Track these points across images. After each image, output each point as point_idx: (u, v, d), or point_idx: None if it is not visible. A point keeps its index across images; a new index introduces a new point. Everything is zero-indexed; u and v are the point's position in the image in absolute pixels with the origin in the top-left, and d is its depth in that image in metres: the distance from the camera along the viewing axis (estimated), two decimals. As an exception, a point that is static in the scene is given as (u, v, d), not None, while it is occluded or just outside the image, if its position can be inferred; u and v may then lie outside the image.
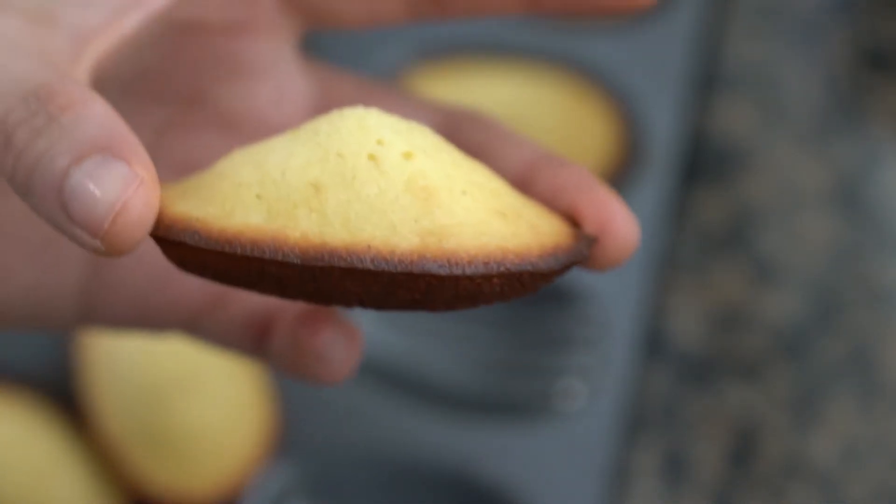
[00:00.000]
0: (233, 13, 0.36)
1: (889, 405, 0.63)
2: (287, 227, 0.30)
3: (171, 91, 0.37)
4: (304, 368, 0.35)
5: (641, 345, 0.64)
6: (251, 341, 0.36)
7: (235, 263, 0.30)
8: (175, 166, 0.37)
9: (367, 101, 0.38)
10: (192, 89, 0.37)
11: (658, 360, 0.65)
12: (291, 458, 0.60)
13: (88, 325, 0.38)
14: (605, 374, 0.62)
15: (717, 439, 0.63)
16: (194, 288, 0.37)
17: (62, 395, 0.62)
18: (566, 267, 0.32)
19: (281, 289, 0.31)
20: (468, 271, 0.30)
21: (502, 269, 0.30)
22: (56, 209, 0.30)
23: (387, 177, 0.31)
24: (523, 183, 0.35)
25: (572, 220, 0.34)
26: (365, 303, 0.31)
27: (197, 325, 0.37)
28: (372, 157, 0.31)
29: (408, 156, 0.31)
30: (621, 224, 0.34)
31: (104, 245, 0.30)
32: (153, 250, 0.37)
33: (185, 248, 0.31)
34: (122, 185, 0.30)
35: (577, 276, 0.64)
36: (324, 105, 0.38)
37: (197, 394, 0.60)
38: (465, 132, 0.37)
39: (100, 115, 0.30)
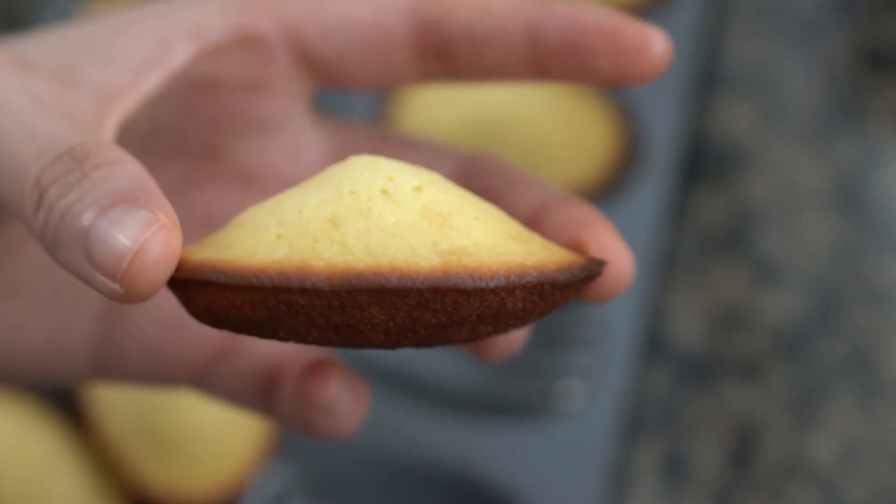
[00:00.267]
0: (248, 72, 0.37)
1: (889, 405, 0.63)
2: (310, 258, 0.31)
3: (188, 146, 0.38)
4: (311, 423, 0.35)
5: (641, 345, 0.64)
6: (259, 396, 0.37)
7: (262, 300, 0.31)
8: (193, 220, 0.38)
9: (379, 151, 0.39)
10: (209, 145, 0.38)
11: (658, 360, 0.65)
12: (291, 458, 0.60)
13: (101, 379, 0.38)
14: (605, 374, 0.62)
15: (717, 439, 0.63)
16: (204, 341, 0.37)
17: (62, 395, 0.62)
18: (582, 281, 0.33)
19: (306, 327, 0.31)
20: (491, 284, 0.31)
21: (524, 281, 0.31)
22: (81, 258, 0.30)
23: (401, 207, 0.31)
24: (533, 222, 0.36)
25: (577, 252, 0.35)
26: (390, 334, 0.31)
27: (206, 380, 0.37)
28: (385, 192, 0.32)
29: (418, 189, 0.32)
30: (619, 258, 0.35)
31: (124, 287, 0.30)
32: (165, 303, 0.37)
33: (210, 290, 0.31)
34: (141, 227, 0.30)
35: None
36: (338, 158, 0.39)
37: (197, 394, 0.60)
38: (478, 176, 0.38)
39: (131, 172, 0.31)
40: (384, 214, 0.31)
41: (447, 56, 0.37)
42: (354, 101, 0.72)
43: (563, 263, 0.32)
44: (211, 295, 0.31)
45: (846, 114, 0.70)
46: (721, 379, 0.64)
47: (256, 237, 0.32)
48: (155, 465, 0.60)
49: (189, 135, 0.37)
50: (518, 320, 0.32)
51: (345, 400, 0.35)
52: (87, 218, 0.30)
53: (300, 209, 0.32)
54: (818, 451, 0.63)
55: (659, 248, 0.65)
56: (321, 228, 0.31)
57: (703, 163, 0.69)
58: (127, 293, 0.30)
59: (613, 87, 0.36)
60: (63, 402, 0.61)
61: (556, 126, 0.67)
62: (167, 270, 0.30)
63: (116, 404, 0.60)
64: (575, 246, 0.35)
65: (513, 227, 0.33)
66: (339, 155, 0.39)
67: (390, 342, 0.32)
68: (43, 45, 0.35)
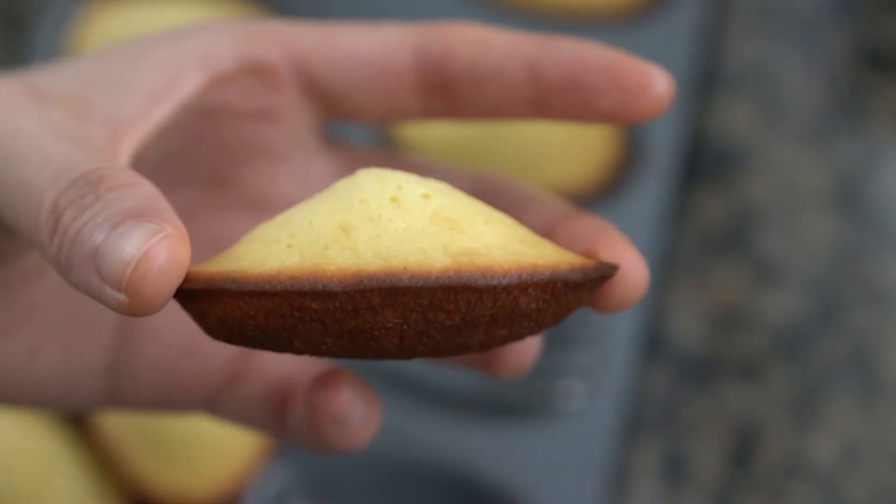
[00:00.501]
0: (257, 100, 0.37)
1: (889, 405, 0.63)
2: (322, 264, 0.31)
3: (198, 174, 0.38)
4: (324, 436, 0.35)
5: (641, 345, 0.64)
6: (271, 415, 0.37)
7: (275, 307, 0.31)
8: (203, 246, 0.38)
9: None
10: (219, 172, 0.38)
11: (658, 360, 0.64)
12: (291, 458, 0.60)
13: (115, 407, 0.38)
14: (605, 374, 0.62)
15: (717, 439, 0.63)
16: (215, 365, 0.37)
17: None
18: (595, 281, 0.33)
19: (320, 335, 0.31)
20: (504, 282, 0.31)
21: (536, 279, 0.31)
22: (92, 275, 0.30)
23: (411, 213, 0.32)
24: (545, 235, 0.36)
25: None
26: (405, 340, 0.31)
27: (219, 404, 0.37)
28: (394, 199, 0.32)
29: (427, 196, 0.32)
30: (633, 267, 0.35)
31: (129, 296, 0.30)
32: (176, 329, 0.38)
33: (223, 300, 0.31)
34: (146, 236, 0.30)
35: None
36: None
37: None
38: (491, 195, 0.38)
39: (143, 191, 0.31)
40: (394, 220, 0.31)
41: (450, 93, 0.37)
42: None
43: (575, 264, 0.32)
44: (224, 305, 0.31)
45: (846, 114, 0.70)
46: (721, 379, 0.64)
47: (267, 248, 0.32)
48: (155, 465, 0.60)
49: (199, 162, 0.38)
50: (532, 322, 0.32)
51: (357, 410, 0.35)
52: (98, 236, 0.30)
53: (310, 220, 0.32)
54: (818, 451, 0.63)
55: (659, 248, 0.65)
56: (332, 236, 0.31)
57: (703, 163, 0.69)
58: (133, 302, 0.30)
59: (616, 124, 0.37)
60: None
61: (556, 126, 0.67)
62: (173, 279, 0.30)
63: (116, 404, 0.60)
64: (588, 256, 0.35)
65: (523, 232, 0.33)
66: None
67: (405, 348, 0.32)
68: (57, 77, 0.36)
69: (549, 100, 0.36)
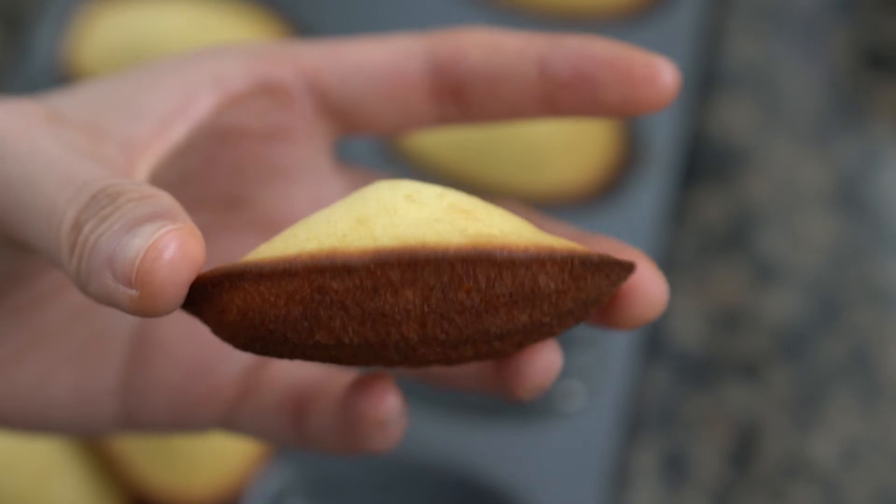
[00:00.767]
0: (270, 120, 0.37)
1: (889, 405, 0.64)
2: (340, 247, 0.31)
3: (212, 195, 0.38)
4: (362, 440, 0.35)
5: (641, 345, 0.64)
6: (289, 423, 0.37)
7: (296, 289, 0.31)
8: (216, 266, 0.38)
9: None
10: (233, 193, 0.38)
11: (658, 360, 0.65)
12: (291, 458, 0.60)
13: (129, 430, 0.38)
14: (605, 374, 0.62)
15: (717, 439, 0.63)
16: (226, 380, 0.37)
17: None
18: (612, 270, 0.33)
19: (342, 322, 0.31)
20: (522, 256, 0.31)
21: (554, 256, 0.32)
22: (108, 279, 0.30)
23: (427, 206, 0.32)
24: None
25: None
26: (426, 326, 0.31)
27: (233, 418, 0.38)
28: (409, 196, 0.32)
29: (441, 195, 0.33)
30: (653, 282, 0.35)
31: (139, 290, 0.30)
32: (186, 347, 0.38)
33: (244, 288, 0.31)
34: (154, 229, 0.30)
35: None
36: None
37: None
38: None
39: (161, 200, 0.31)
40: (410, 211, 0.32)
41: (462, 97, 0.37)
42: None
43: (591, 253, 0.33)
44: (245, 294, 0.31)
45: (846, 114, 0.70)
46: (721, 379, 0.64)
47: (286, 242, 0.32)
48: (155, 464, 0.60)
49: (212, 184, 0.38)
50: (552, 307, 0.32)
51: (401, 413, 0.35)
52: (114, 241, 0.30)
53: (327, 218, 0.32)
54: (818, 451, 0.63)
55: (659, 248, 0.66)
56: (349, 226, 0.32)
57: (703, 163, 0.69)
58: (143, 296, 0.30)
59: (623, 116, 0.37)
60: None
61: (555, 125, 0.67)
62: (184, 272, 0.30)
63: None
64: None
65: (537, 230, 0.33)
66: None
67: (427, 339, 0.32)
68: (73, 101, 0.36)
69: (558, 96, 0.37)
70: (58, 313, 0.37)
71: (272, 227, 0.39)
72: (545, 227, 0.38)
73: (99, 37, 0.69)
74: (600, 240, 0.36)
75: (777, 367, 0.64)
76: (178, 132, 0.36)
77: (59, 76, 0.68)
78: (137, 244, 0.30)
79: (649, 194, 0.67)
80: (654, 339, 0.65)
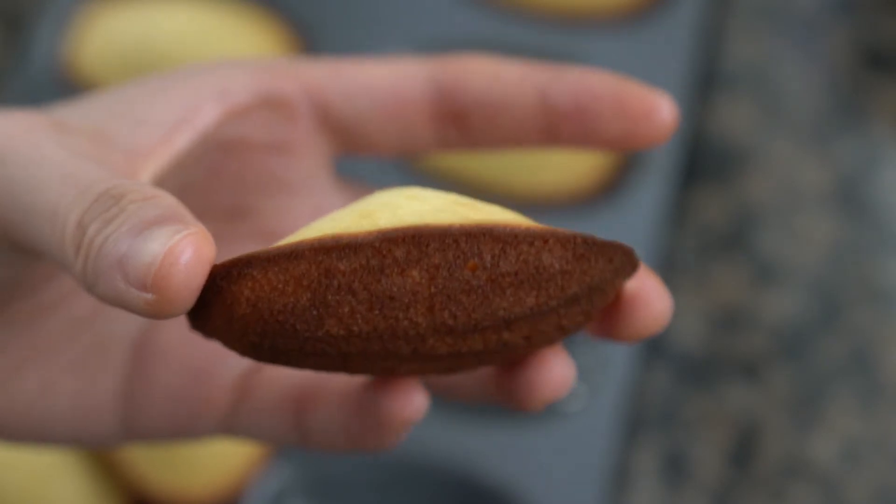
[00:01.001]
0: (273, 133, 0.38)
1: (889, 405, 0.64)
2: (344, 232, 0.32)
3: (214, 206, 0.39)
4: (377, 440, 0.36)
5: (641, 345, 0.64)
6: (290, 423, 0.37)
7: (304, 273, 0.31)
8: None
9: None
10: (235, 204, 0.39)
11: (658, 360, 0.65)
12: (291, 458, 0.60)
13: (130, 439, 0.39)
14: (605, 374, 0.62)
15: (717, 439, 0.63)
16: (225, 385, 0.38)
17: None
18: (616, 252, 0.33)
19: (350, 309, 0.31)
20: (524, 232, 0.32)
21: (557, 234, 0.32)
22: (118, 281, 0.31)
23: (429, 201, 0.33)
24: None
25: None
26: (434, 310, 0.32)
27: (233, 422, 0.38)
28: (412, 196, 0.33)
29: (443, 195, 0.33)
30: (657, 296, 0.35)
31: (155, 293, 0.30)
32: (184, 355, 0.38)
33: (252, 276, 0.31)
34: (169, 235, 0.31)
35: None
36: None
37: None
38: None
39: (165, 201, 0.32)
40: (413, 205, 0.32)
41: (463, 123, 0.38)
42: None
43: (595, 238, 0.33)
44: (254, 283, 0.31)
45: (846, 114, 0.70)
46: (721, 379, 0.64)
47: (292, 238, 0.32)
48: (155, 465, 0.60)
49: (215, 195, 0.38)
50: (558, 291, 0.32)
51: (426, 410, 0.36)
52: (123, 243, 0.31)
53: (332, 217, 0.33)
54: (818, 451, 0.63)
55: (659, 248, 0.66)
56: (353, 220, 0.32)
57: (703, 163, 0.69)
58: (160, 300, 0.30)
59: (622, 150, 0.38)
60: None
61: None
62: (199, 275, 0.31)
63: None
64: None
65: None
66: None
67: (436, 326, 0.32)
68: (77, 111, 0.36)
69: (557, 127, 0.38)
70: (58, 323, 0.37)
71: (274, 238, 0.39)
72: None
73: (99, 37, 0.69)
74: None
75: (777, 367, 0.64)
76: (182, 141, 0.36)
77: (58, 76, 0.68)
78: (153, 249, 0.30)
79: (649, 194, 0.67)
80: (655, 339, 0.65)
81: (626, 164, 0.68)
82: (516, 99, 0.37)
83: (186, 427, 0.38)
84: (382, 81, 0.38)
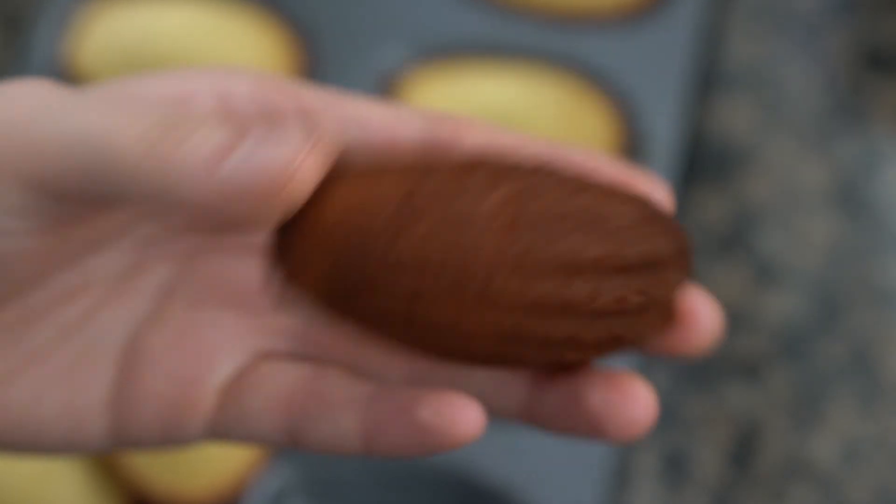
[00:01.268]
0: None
1: (890, 405, 0.63)
2: (429, 157, 0.34)
3: None
4: (418, 448, 0.36)
5: (641, 345, 0.64)
6: (279, 426, 0.37)
7: (396, 182, 0.33)
8: (210, 286, 0.39)
9: None
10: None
11: (658, 360, 0.64)
12: (291, 458, 0.60)
13: (121, 444, 0.39)
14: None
15: (717, 439, 0.63)
16: (214, 387, 0.38)
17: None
18: (676, 228, 0.34)
19: (428, 228, 0.33)
20: (602, 179, 0.34)
21: (628, 190, 0.34)
22: (226, 183, 0.32)
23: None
24: None
25: None
26: (504, 238, 0.33)
27: (220, 427, 0.38)
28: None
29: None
30: (707, 310, 0.36)
31: (265, 198, 0.32)
32: (172, 359, 0.38)
33: (348, 180, 0.33)
34: (294, 137, 0.32)
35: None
36: None
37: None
38: None
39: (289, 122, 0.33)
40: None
41: None
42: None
43: None
44: (349, 188, 0.33)
45: (846, 114, 0.70)
46: (721, 379, 0.64)
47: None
48: (155, 465, 0.60)
49: None
50: (618, 245, 0.33)
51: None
52: (248, 148, 0.32)
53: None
54: (818, 452, 0.62)
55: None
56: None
57: (703, 163, 0.69)
58: (269, 204, 0.32)
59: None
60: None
61: (555, 126, 0.67)
62: (312, 182, 0.32)
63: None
64: None
65: None
66: None
67: (503, 257, 0.33)
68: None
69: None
70: (47, 330, 0.37)
71: (265, 250, 0.39)
72: None
73: (99, 37, 0.69)
74: None
75: (777, 367, 0.64)
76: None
77: (58, 76, 0.68)
78: (277, 153, 0.32)
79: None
80: (654, 339, 0.65)
81: (626, 163, 0.68)
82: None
83: (175, 433, 0.38)
84: (377, 120, 0.38)
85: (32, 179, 0.34)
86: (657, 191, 0.37)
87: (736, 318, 0.65)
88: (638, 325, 0.34)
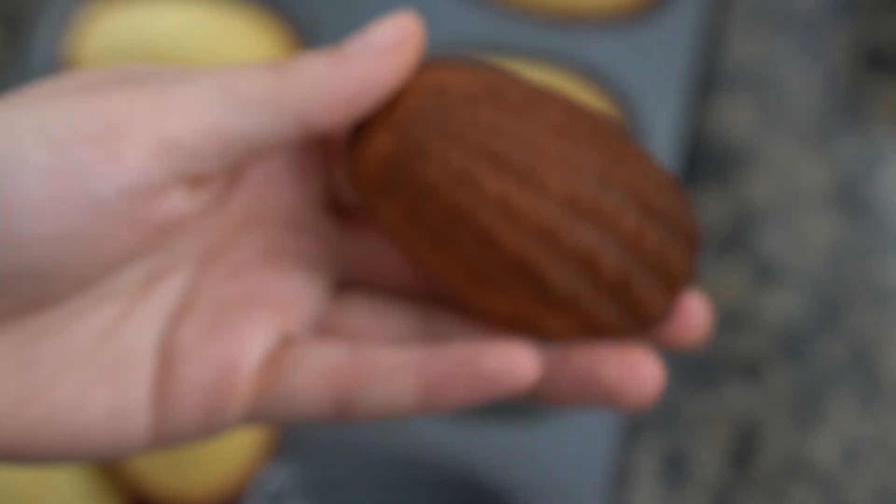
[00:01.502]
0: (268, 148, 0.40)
1: (890, 406, 0.63)
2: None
3: (229, 211, 0.40)
4: (474, 393, 0.39)
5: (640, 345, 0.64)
6: (326, 400, 0.39)
7: (478, 75, 0.36)
8: (228, 282, 0.40)
9: None
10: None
11: (658, 359, 0.64)
12: (291, 458, 0.60)
13: (161, 441, 0.39)
14: (605, 374, 0.62)
15: (717, 439, 0.63)
16: (250, 369, 0.39)
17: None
18: (689, 208, 0.37)
19: (495, 125, 0.35)
20: (648, 150, 0.39)
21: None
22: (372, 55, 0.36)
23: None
24: None
25: None
26: (559, 145, 0.36)
27: (262, 407, 0.39)
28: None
29: None
30: (694, 308, 0.39)
31: (391, 56, 0.36)
32: (211, 345, 0.39)
33: (442, 67, 0.37)
34: (403, 17, 0.37)
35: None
36: None
37: (197, 394, 0.60)
38: None
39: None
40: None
41: None
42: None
43: None
44: (442, 71, 0.36)
45: (846, 114, 0.70)
46: (721, 379, 0.64)
47: None
48: (155, 464, 0.60)
49: (230, 197, 0.40)
50: (644, 196, 0.36)
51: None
52: (353, 40, 0.37)
53: None
54: (819, 452, 0.62)
55: (659, 248, 0.65)
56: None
57: (703, 163, 0.69)
58: (402, 60, 0.36)
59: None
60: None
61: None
62: (415, 57, 0.36)
63: (116, 404, 0.60)
64: None
65: None
66: None
67: (557, 175, 0.35)
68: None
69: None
70: (88, 330, 0.37)
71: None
72: None
73: (99, 37, 0.69)
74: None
75: (777, 367, 0.64)
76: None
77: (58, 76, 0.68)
78: (395, 23, 0.36)
79: (649, 194, 0.67)
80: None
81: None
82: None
83: (216, 420, 0.39)
84: None
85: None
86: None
87: (736, 318, 0.65)
88: (646, 276, 0.36)
